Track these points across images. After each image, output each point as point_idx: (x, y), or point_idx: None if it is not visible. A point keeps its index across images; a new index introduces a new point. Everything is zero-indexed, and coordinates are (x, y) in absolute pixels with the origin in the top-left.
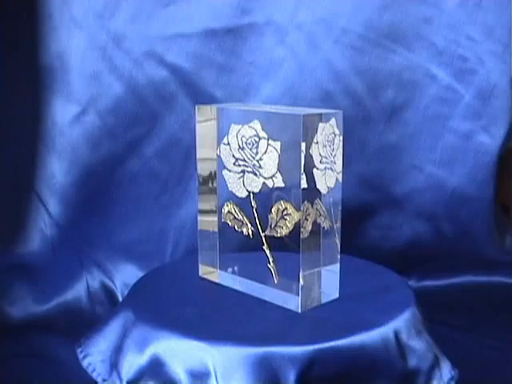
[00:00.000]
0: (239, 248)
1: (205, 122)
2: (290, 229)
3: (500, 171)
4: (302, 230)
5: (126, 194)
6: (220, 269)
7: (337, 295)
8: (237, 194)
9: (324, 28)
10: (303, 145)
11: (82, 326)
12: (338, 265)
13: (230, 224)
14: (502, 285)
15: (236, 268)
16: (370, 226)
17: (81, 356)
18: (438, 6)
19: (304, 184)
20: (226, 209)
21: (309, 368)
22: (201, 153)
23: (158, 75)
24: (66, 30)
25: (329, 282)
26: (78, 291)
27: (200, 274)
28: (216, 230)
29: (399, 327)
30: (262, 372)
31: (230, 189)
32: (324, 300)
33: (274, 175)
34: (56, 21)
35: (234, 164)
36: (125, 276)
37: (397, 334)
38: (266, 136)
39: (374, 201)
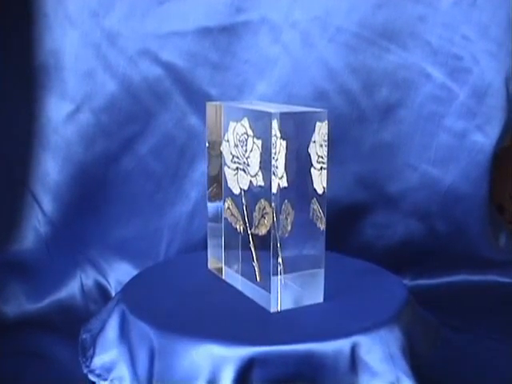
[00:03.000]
0: (236, 243)
1: (212, 119)
2: (268, 228)
3: (494, 170)
4: (281, 228)
5: (120, 192)
6: (224, 263)
7: (321, 300)
8: (233, 190)
9: (319, 26)
10: (283, 143)
11: (76, 324)
12: (323, 269)
13: (229, 220)
14: (496, 283)
15: (235, 263)
16: (364, 224)
17: (81, 332)
18: (432, 4)
19: (284, 183)
20: (226, 205)
21: (248, 369)
22: (209, 149)
23: (152, 73)
24: (60, 28)
25: (312, 285)
26: (72, 289)
27: (209, 266)
28: (221, 225)
29: (360, 341)
30: (201, 368)
31: (228, 185)
32: (305, 303)
33: (257, 173)
34: (51, 19)
35: (231, 161)
36: (118, 274)
37: (354, 347)
38: (252, 134)
39: (369, 199)
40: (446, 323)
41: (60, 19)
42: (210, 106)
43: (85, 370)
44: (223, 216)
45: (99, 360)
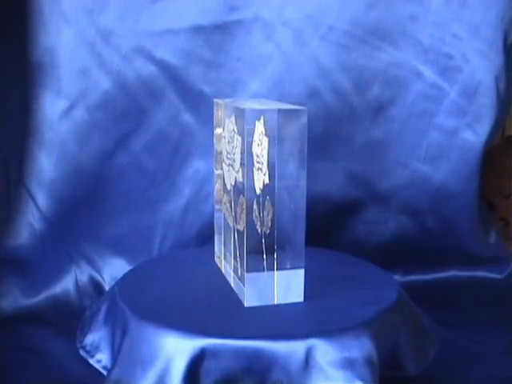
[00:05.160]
0: (230, 238)
1: (217, 117)
2: (245, 223)
3: (484, 168)
4: (265, 225)
5: (114, 189)
6: (223, 257)
7: (301, 299)
8: (227, 185)
9: (311, 25)
10: (266, 140)
11: (70, 319)
12: (303, 269)
13: (225, 215)
14: (486, 280)
15: (229, 257)
16: (355, 221)
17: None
18: (423, 3)
19: (266, 180)
20: (223, 200)
21: (199, 360)
22: (216, 146)
23: (146, 71)
24: (55, 25)
25: (292, 283)
26: (66, 284)
27: (215, 260)
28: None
29: (316, 344)
30: (158, 354)
31: (224, 181)
32: (283, 301)
33: (239, 169)
34: (46, 16)
35: (226, 157)
36: (113, 269)
37: (310, 350)
38: (236, 131)
39: (360, 196)
40: (436, 318)
41: (55, 17)
42: (216, 104)
43: (78, 346)
44: (222, 211)
45: (90, 338)
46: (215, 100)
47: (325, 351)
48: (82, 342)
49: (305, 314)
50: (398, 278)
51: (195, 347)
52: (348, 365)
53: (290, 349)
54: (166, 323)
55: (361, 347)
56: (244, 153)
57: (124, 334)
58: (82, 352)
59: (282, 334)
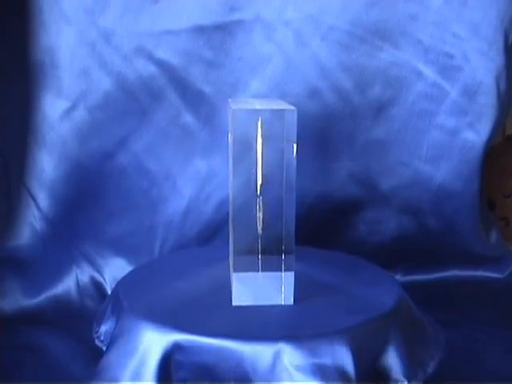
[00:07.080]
0: None
1: (229, 117)
2: (233, 223)
3: (485, 167)
4: (260, 224)
5: (115, 189)
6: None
7: (290, 301)
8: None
9: (311, 25)
10: (260, 140)
11: (71, 319)
12: (293, 272)
13: None
14: (487, 279)
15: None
16: (356, 220)
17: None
18: (424, 3)
19: (259, 180)
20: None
21: (172, 354)
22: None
23: (146, 71)
24: (56, 25)
25: (283, 285)
26: (67, 285)
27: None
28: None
29: (284, 348)
30: (138, 346)
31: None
32: (272, 302)
33: (232, 168)
34: (46, 16)
35: (229, 156)
36: (114, 270)
37: (279, 354)
38: (230, 130)
39: (361, 196)
40: (437, 318)
41: (55, 17)
42: (229, 104)
43: (94, 336)
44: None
45: (103, 328)
46: (229, 100)
47: (293, 356)
48: (97, 332)
49: (287, 317)
50: (398, 277)
51: (168, 341)
52: (316, 371)
53: (258, 351)
54: (149, 318)
55: (334, 354)
56: (232, 152)
57: (116, 325)
58: (97, 342)
59: (253, 335)
